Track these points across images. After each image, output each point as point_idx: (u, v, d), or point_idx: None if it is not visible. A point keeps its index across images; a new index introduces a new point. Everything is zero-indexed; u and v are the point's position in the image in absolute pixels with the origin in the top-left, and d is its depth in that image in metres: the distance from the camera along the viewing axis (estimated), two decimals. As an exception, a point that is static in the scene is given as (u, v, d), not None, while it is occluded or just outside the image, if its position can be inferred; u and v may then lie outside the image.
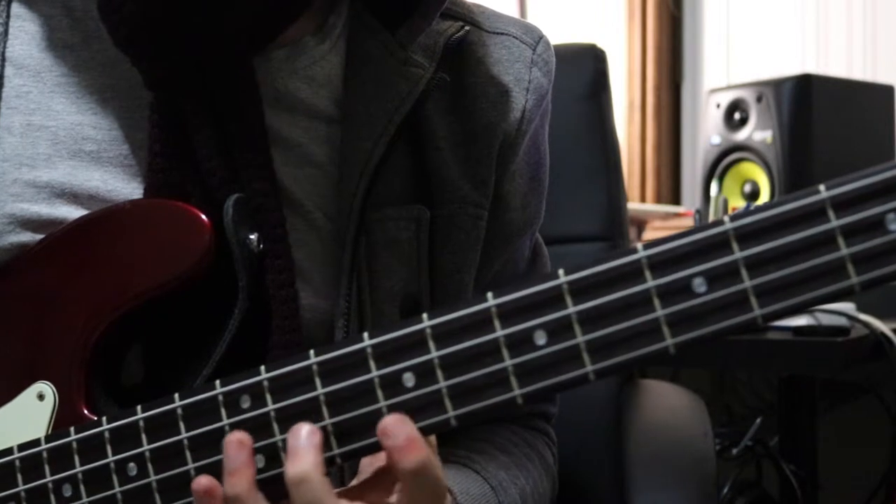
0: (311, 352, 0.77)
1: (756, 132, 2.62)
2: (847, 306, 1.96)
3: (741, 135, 2.66)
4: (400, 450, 0.73)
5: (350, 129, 1.00)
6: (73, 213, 0.95)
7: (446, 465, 1.01)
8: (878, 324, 1.90)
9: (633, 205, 3.09)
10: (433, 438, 0.79)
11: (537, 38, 1.11)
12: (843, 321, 1.91)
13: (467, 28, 1.06)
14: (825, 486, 2.23)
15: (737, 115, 2.68)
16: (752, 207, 0.66)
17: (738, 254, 0.66)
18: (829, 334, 1.84)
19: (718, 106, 2.71)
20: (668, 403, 1.70)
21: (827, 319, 1.93)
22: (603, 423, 1.61)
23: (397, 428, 0.74)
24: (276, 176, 0.96)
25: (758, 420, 2.26)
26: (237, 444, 0.77)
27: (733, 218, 0.66)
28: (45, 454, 0.87)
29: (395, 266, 1.00)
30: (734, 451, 2.22)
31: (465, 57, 1.06)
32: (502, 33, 1.09)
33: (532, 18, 3.62)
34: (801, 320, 1.92)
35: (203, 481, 0.78)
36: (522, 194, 1.10)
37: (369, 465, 0.81)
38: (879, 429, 2.35)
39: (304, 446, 0.75)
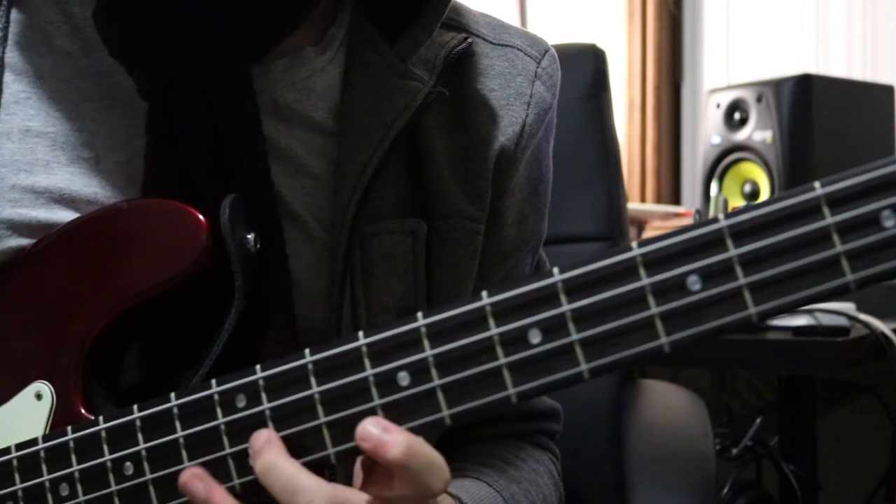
0: (307, 351, 0.78)
1: (756, 132, 2.62)
2: (847, 306, 1.96)
3: (741, 135, 2.66)
4: (381, 445, 0.74)
5: (346, 141, 0.99)
6: (71, 218, 0.94)
7: (457, 479, 1.01)
8: (878, 324, 1.90)
9: (633, 205, 3.09)
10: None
11: (543, 52, 1.10)
12: (843, 321, 1.91)
13: (470, 40, 1.04)
14: (825, 486, 2.23)
15: (737, 115, 2.68)
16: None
17: (733, 251, 0.65)
18: (829, 334, 1.85)
19: (718, 106, 2.72)
20: (668, 403, 1.70)
21: (827, 319, 1.93)
22: (603, 423, 1.61)
23: (370, 429, 0.74)
24: (274, 187, 0.96)
25: (758, 420, 2.26)
26: (197, 479, 0.79)
27: (728, 215, 0.66)
28: (42, 453, 0.87)
29: (391, 280, 1.00)
30: (734, 451, 2.22)
31: (467, 69, 1.05)
32: (507, 45, 1.08)
33: (532, 18, 3.62)
34: (800, 320, 1.92)
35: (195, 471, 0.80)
36: (519, 210, 1.09)
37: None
38: (879, 429, 2.35)
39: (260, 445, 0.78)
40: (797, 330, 1.88)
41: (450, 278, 1.03)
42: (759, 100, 2.61)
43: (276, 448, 0.77)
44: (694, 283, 0.66)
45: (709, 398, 1.94)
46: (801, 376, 2.19)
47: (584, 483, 1.54)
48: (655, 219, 2.79)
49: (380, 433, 0.74)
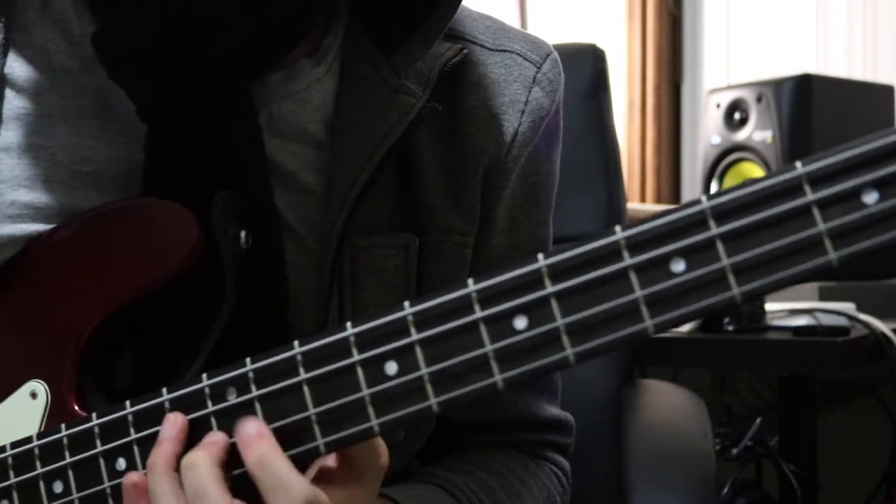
0: (296, 342, 0.78)
1: (756, 132, 2.61)
2: (847, 306, 1.96)
3: (741, 135, 2.66)
4: (244, 445, 0.77)
5: (338, 155, 0.98)
6: None
7: (417, 485, 1.02)
8: (878, 324, 1.90)
9: (633, 205, 3.09)
10: (384, 449, 0.80)
11: (544, 56, 1.07)
12: (843, 321, 1.91)
13: (465, 51, 1.02)
14: (825, 486, 2.23)
15: (737, 115, 2.68)
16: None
17: (715, 230, 0.65)
18: (829, 334, 1.85)
19: (718, 106, 2.71)
20: (668, 403, 1.70)
21: (827, 319, 1.93)
22: (603, 423, 1.61)
23: (245, 427, 0.77)
24: (277, 206, 0.96)
25: (758, 420, 2.26)
26: (170, 421, 0.80)
27: (711, 197, 0.66)
28: (36, 451, 0.87)
29: (380, 295, 0.99)
30: (734, 451, 2.21)
31: (461, 79, 1.03)
32: (505, 50, 1.06)
33: (532, 18, 3.62)
34: (800, 320, 1.92)
35: (133, 477, 0.80)
36: (510, 217, 1.07)
37: None
38: (879, 429, 2.35)
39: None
40: (797, 330, 1.87)
41: None
42: (759, 100, 2.61)
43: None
44: (677, 264, 0.66)
45: (709, 398, 1.94)
46: (801, 376, 2.20)
47: (584, 483, 1.54)
48: (655, 219, 2.79)
49: (249, 435, 0.76)
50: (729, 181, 2.71)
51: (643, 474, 1.55)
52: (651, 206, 3.39)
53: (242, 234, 0.92)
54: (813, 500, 2.18)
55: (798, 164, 0.63)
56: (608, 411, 1.62)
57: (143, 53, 0.93)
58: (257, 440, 0.76)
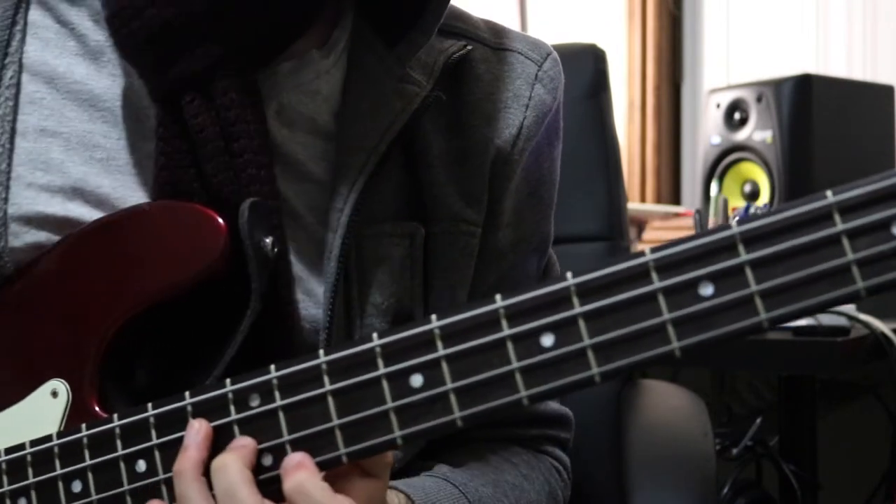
0: (321, 351, 0.78)
1: (756, 132, 2.61)
2: (847, 306, 1.96)
3: (741, 135, 2.66)
4: (284, 473, 0.77)
5: (343, 144, 1.00)
6: (87, 213, 0.96)
7: (422, 478, 1.02)
8: (878, 324, 1.90)
9: (633, 205, 3.09)
10: (390, 456, 0.81)
11: (544, 55, 1.11)
12: (843, 321, 1.91)
13: (470, 47, 1.06)
14: (825, 486, 2.23)
15: (737, 115, 2.68)
16: (754, 209, 0.67)
17: (745, 257, 0.66)
18: (829, 334, 1.84)
19: (718, 106, 2.71)
20: (668, 403, 1.70)
21: (827, 319, 1.93)
22: (603, 423, 1.61)
23: (289, 458, 0.78)
24: (280, 193, 0.97)
25: (758, 420, 2.26)
26: (195, 427, 0.81)
27: (740, 222, 0.66)
28: (56, 449, 0.87)
29: (386, 282, 1.00)
30: (734, 451, 2.22)
31: (466, 74, 1.06)
32: (507, 49, 1.09)
33: (532, 18, 3.63)
34: (801, 320, 1.91)
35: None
36: (516, 211, 1.09)
37: None
38: (879, 429, 2.35)
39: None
40: (797, 330, 1.87)
41: (446, 281, 1.04)
42: (759, 100, 2.61)
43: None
44: (706, 288, 0.67)
45: (709, 398, 1.94)
46: (801, 376, 2.19)
47: (584, 483, 1.55)
48: (655, 219, 2.79)
49: (293, 463, 0.77)
50: (729, 181, 2.71)
51: (643, 474, 1.55)
52: (651, 207, 3.40)
53: (269, 240, 0.93)
54: (813, 500, 2.18)
55: (829, 192, 0.64)
56: (608, 411, 1.63)
57: (156, 38, 0.94)
58: (297, 468, 0.77)
